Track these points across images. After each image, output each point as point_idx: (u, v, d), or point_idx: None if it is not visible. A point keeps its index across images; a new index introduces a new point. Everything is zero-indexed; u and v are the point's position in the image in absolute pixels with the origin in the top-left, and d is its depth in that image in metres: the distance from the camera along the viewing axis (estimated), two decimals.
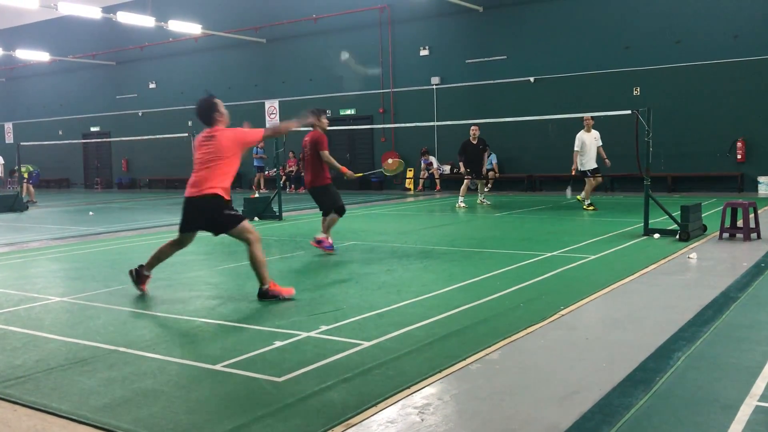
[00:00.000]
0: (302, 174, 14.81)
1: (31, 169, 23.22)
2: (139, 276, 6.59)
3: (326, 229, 8.90)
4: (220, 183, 6.16)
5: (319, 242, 8.86)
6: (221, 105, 6.37)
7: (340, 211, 8.88)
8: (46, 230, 13.21)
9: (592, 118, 14.05)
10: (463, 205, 15.58)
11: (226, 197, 6.19)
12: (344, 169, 9.17)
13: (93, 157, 33.84)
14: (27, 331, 5.36)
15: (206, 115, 6.31)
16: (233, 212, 6.25)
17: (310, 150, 8.79)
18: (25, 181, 21.07)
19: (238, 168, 6.35)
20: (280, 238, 10.76)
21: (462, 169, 16.03)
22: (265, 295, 6.16)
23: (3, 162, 24.79)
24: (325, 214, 9.04)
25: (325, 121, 8.99)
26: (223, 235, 6.38)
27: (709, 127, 18.61)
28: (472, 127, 15.46)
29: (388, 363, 4.29)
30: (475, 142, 15.44)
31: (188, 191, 6.25)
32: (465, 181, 15.86)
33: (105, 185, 32.58)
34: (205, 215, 6.19)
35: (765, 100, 17.92)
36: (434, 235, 11.07)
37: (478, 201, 16.32)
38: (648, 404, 3.52)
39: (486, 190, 17.38)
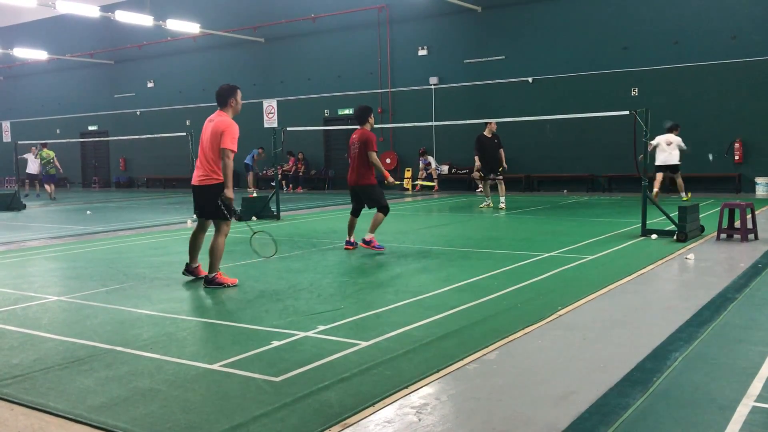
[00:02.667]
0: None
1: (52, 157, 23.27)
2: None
3: (373, 229, 9.01)
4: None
5: (368, 243, 8.96)
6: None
7: (385, 211, 8.99)
8: (43, 229, 13.19)
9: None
10: (488, 204, 15.04)
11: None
12: (387, 174, 9.22)
13: (91, 156, 33.80)
14: (24, 331, 5.35)
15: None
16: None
17: (359, 148, 8.79)
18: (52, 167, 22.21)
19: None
20: (277, 237, 10.76)
21: (477, 165, 14.94)
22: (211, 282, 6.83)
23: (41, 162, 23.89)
24: (354, 214, 9.23)
25: (372, 120, 9.04)
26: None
27: (706, 128, 18.62)
28: (491, 122, 14.77)
29: (386, 363, 4.29)
30: (489, 136, 14.70)
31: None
32: (481, 178, 15.26)
33: (103, 184, 32.54)
34: None
35: (763, 101, 17.93)
36: (432, 235, 11.07)
37: (499, 206, 14.74)
38: (645, 404, 3.53)
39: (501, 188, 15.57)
